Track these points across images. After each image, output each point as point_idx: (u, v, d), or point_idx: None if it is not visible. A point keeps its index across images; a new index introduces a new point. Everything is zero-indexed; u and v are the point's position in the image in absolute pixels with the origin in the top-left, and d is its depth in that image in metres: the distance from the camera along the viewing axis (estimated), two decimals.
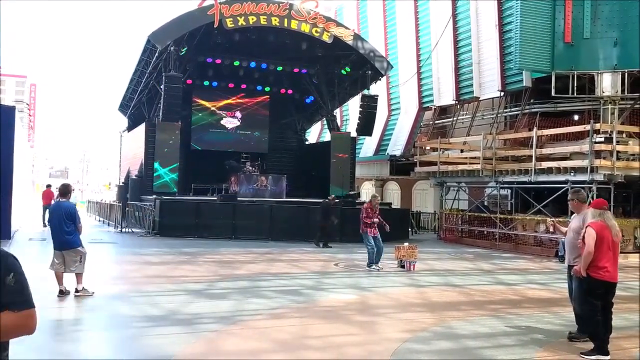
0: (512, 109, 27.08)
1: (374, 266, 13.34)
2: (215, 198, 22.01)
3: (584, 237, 6.50)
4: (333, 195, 21.74)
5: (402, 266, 13.60)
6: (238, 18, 22.02)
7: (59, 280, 8.98)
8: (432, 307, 9.21)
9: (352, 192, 26.12)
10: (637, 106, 22.29)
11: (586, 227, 6.55)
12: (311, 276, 12.27)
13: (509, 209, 21.64)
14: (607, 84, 20.70)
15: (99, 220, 28.41)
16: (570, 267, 7.18)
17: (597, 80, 20.91)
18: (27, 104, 52.27)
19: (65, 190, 9.45)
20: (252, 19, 22.29)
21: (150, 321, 7.57)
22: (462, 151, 25.13)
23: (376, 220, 13.51)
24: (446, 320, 8.19)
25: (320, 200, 20.45)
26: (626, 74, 20.46)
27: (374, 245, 13.35)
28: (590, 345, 6.49)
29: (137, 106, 28.32)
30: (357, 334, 7.30)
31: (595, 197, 17.42)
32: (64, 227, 8.98)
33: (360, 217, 13.72)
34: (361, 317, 8.32)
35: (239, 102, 28.72)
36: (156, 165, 22.87)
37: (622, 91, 20.69)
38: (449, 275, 13.32)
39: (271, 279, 11.56)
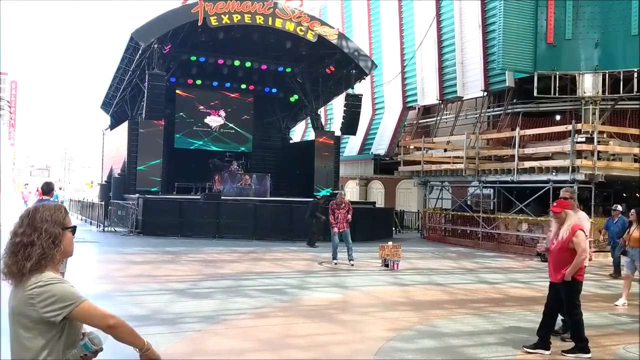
0: (495, 109, 27.30)
1: (347, 262, 13.86)
2: (199, 197, 21.90)
3: (570, 240, 6.37)
4: (321, 195, 21.76)
5: (386, 265, 13.66)
6: (222, 16, 21.93)
7: None
8: (416, 305, 9.26)
9: (336, 192, 26.11)
10: (617, 107, 22.61)
11: (577, 231, 6.39)
12: (295, 275, 12.27)
13: (492, 208, 21.80)
14: (589, 84, 20.96)
15: (81, 219, 28.13)
16: None
17: (578, 81, 21.16)
18: (8, 102, 51.51)
19: (48, 189, 9.34)
20: (237, 17, 22.21)
21: (134, 321, 7.50)
22: (445, 150, 25.27)
23: (342, 217, 13.95)
24: (430, 319, 8.24)
25: (309, 200, 20.43)
26: (607, 75, 20.73)
27: (337, 242, 13.99)
28: (570, 344, 6.56)
29: (119, 104, 28.10)
30: (341, 333, 7.32)
31: (576, 197, 17.65)
32: None
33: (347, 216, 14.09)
34: (345, 316, 8.34)
35: (222, 101, 28.60)
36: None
37: (603, 92, 20.96)
38: (432, 274, 13.41)
39: (255, 278, 11.54)
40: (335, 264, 13.79)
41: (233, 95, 28.91)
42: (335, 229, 13.81)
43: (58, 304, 2.42)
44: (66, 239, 2.61)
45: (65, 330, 2.47)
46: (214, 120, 28.37)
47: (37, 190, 24.61)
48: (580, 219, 7.04)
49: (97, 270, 12.27)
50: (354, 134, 28.42)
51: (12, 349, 2.53)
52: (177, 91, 27.43)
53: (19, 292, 2.48)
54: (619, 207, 13.90)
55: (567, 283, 6.43)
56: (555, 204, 6.68)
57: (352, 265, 13.65)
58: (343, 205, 14.04)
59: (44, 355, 2.43)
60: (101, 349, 2.58)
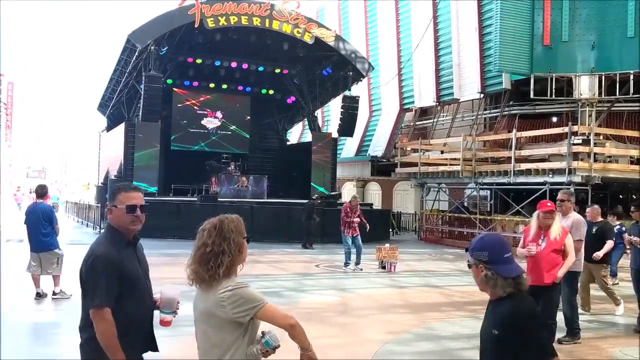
0: (492, 111, 27.34)
1: (351, 266, 13.48)
2: (196, 199, 21.85)
3: (563, 242, 6.25)
4: (317, 195, 21.70)
5: (383, 267, 13.64)
6: (219, 18, 21.91)
7: (36, 282, 8.86)
8: (413, 308, 9.24)
9: (333, 193, 26.13)
10: (614, 109, 22.65)
11: (568, 232, 6.33)
12: (292, 277, 12.25)
13: (489, 210, 21.81)
14: (585, 86, 21.01)
15: (78, 221, 28.07)
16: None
17: (575, 83, 21.21)
18: (5, 103, 51.39)
19: (42, 192, 9.32)
20: (234, 19, 22.19)
21: None
22: (442, 152, 25.31)
23: (357, 219, 13.60)
24: (427, 321, 8.22)
25: (305, 201, 20.41)
26: (603, 77, 20.79)
27: (350, 245, 13.50)
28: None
29: (116, 106, 28.04)
30: (338, 336, 7.30)
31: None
32: (41, 228, 8.86)
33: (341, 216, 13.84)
34: (342, 319, 8.32)
35: (219, 102, 28.56)
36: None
37: (600, 94, 21.02)
38: (429, 276, 13.40)
39: (252, 281, 11.47)
40: (361, 269, 13.39)
41: (230, 97, 28.87)
42: (348, 233, 13.57)
43: (245, 306, 2.71)
44: (245, 248, 2.96)
45: (249, 329, 2.77)
46: (211, 122, 28.32)
47: (30, 193, 24.66)
48: (578, 221, 7.00)
49: None
50: (351, 135, 28.43)
51: (201, 346, 2.83)
52: (174, 93, 27.38)
53: (208, 295, 2.78)
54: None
55: (555, 285, 6.27)
56: (549, 203, 6.40)
57: (361, 269, 13.33)
58: (356, 209, 13.84)
59: (231, 351, 2.73)
60: (279, 346, 2.85)
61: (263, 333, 2.84)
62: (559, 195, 7.25)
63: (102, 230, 3.33)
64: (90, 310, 2.94)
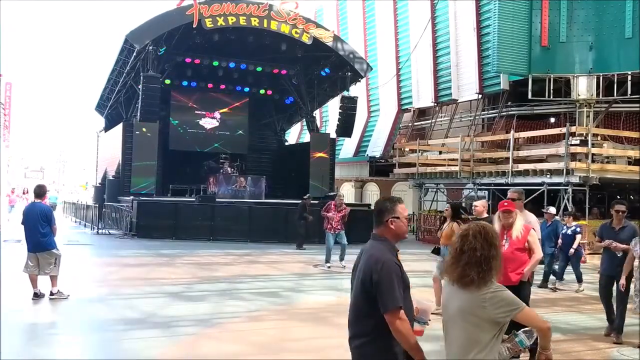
0: (490, 112, 27.37)
1: (328, 264, 13.70)
2: (194, 199, 21.82)
3: (526, 240, 6.18)
4: (308, 195, 21.69)
5: None
6: (217, 18, 21.90)
7: (33, 283, 8.84)
8: None
9: (331, 194, 26.08)
10: (611, 109, 22.69)
11: (531, 230, 6.25)
12: (290, 278, 12.23)
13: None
14: (583, 87, 21.05)
15: (75, 222, 28.03)
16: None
17: (573, 84, 21.24)
18: (3, 104, 51.22)
19: (41, 192, 9.30)
20: (232, 19, 22.18)
21: (127, 324, 7.48)
22: (440, 153, 25.31)
23: (331, 215, 13.75)
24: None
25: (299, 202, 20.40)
26: (601, 78, 20.83)
27: (332, 244, 13.69)
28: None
29: (114, 106, 28.00)
30: (337, 336, 7.27)
31: (570, 200, 17.69)
32: (39, 228, 8.84)
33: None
34: (341, 319, 8.27)
35: (217, 103, 28.56)
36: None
37: (597, 94, 21.06)
38: (427, 276, 13.33)
39: (250, 281, 11.50)
40: (329, 267, 13.64)
41: (228, 97, 28.87)
42: (331, 230, 13.60)
43: (506, 307, 2.93)
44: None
45: (502, 330, 2.98)
46: (209, 122, 28.32)
47: (24, 193, 24.44)
48: (531, 222, 6.89)
49: (91, 273, 12.20)
50: (349, 136, 28.43)
51: (457, 342, 3.08)
52: (172, 93, 27.38)
53: (467, 295, 3.00)
54: (552, 209, 12.80)
55: (523, 284, 6.14)
56: (506, 203, 6.29)
57: (344, 267, 13.31)
58: (341, 208, 13.86)
59: (488, 348, 2.94)
60: (528, 347, 3.10)
61: (515, 333, 3.05)
62: (509, 194, 7.13)
63: (373, 242, 3.51)
64: (387, 314, 3.13)
